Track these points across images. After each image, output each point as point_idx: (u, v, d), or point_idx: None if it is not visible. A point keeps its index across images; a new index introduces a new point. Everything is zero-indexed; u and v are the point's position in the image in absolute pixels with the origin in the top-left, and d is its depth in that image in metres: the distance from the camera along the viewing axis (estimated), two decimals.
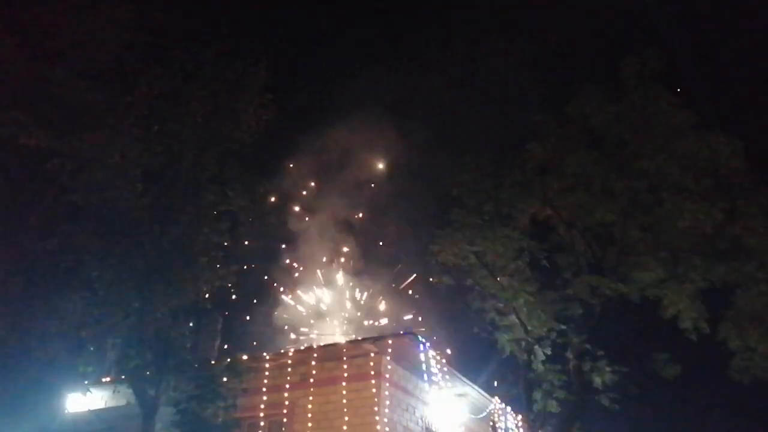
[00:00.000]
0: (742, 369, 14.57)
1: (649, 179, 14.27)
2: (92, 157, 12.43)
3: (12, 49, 11.92)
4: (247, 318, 20.55)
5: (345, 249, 21.97)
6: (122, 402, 13.98)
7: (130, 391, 12.90)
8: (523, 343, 14.68)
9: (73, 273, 12.83)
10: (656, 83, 14.39)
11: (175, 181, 13.37)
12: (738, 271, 14.12)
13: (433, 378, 14.43)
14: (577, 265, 15.03)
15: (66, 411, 13.98)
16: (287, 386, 14.32)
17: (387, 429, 13.41)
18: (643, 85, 14.39)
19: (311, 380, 14.25)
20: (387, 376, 14.00)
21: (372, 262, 21.85)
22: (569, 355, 14.41)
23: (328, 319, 21.56)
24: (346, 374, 13.99)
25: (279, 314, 21.11)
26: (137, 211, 12.79)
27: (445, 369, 14.87)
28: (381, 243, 22.04)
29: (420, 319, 21.53)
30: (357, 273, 21.96)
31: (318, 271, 21.77)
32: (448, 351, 16.86)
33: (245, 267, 17.09)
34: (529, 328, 14.56)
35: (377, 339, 14.47)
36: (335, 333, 20.99)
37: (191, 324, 14.06)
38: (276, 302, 21.40)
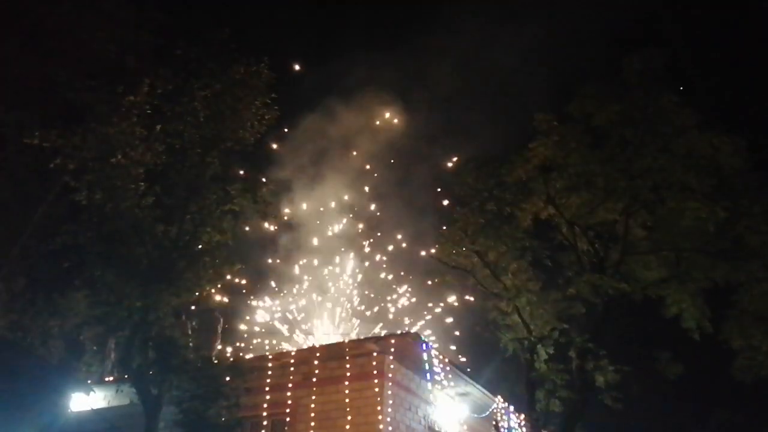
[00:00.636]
0: (744, 368, 14.57)
1: (651, 178, 14.25)
2: (95, 157, 12.46)
3: (15, 49, 11.95)
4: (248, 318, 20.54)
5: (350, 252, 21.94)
6: (125, 401, 13.96)
7: (133, 390, 12.89)
8: (526, 343, 14.66)
9: (75, 272, 12.86)
10: (659, 82, 14.37)
11: (178, 180, 13.37)
12: (741, 270, 14.10)
13: (436, 377, 14.43)
14: (579, 265, 15.00)
15: (69, 410, 13.97)
16: (290, 385, 14.33)
17: (390, 428, 13.40)
18: (646, 84, 14.37)
19: (314, 379, 14.25)
20: (390, 375, 14.00)
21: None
22: (572, 354, 14.38)
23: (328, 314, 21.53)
24: (348, 373, 13.98)
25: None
26: (140, 210, 12.79)
27: (448, 368, 14.87)
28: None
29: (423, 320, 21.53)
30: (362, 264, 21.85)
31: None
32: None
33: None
34: (531, 327, 14.55)
35: (380, 338, 14.49)
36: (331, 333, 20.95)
37: (194, 323, 14.07)
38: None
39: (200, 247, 13.05)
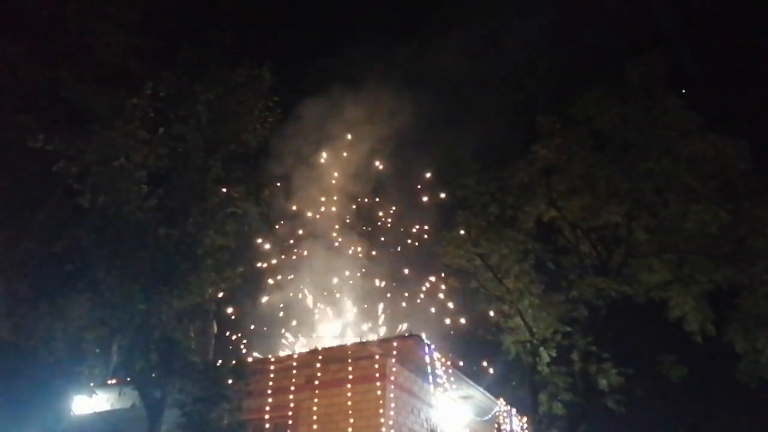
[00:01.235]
0: (748, 371, 14.55)
1: (654, 181, 14.26)
2: (98, 160, 12.48)
3: (19, 52, 11.99)
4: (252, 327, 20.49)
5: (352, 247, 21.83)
6: (128, 404, 13.95)
7: (136, 393, 12.90)
8: (528, 345, 14.65)
9: (78, 275, 12.85)
10: (661, 85, 14.39)
11: (181, 183, 13.38)
12: (744, 273, 14.11)
13: (438, 380, 14.41)
14: (582, 267, 15.01)
15: (72, 413, 13.99)
16: (292, 388, 14.31)
17: (392, 431, 13.39)
18: (649, 87, 14.38)
19: (316, 382, 14.23)
20: (392, 378, 13.98)
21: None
22: (575, 357, 14.37)
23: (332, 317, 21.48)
24: (351, 376, 13.96)
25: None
26: (143, 213, 12.79)
27: (450, 371, 14.85)
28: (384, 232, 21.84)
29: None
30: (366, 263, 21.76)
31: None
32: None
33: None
34: (534, 330, 14.54)
35: (382, 341, 14.46)
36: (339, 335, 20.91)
37: (197, 326, 14.06)
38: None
39: (203, 250, 13.05)
